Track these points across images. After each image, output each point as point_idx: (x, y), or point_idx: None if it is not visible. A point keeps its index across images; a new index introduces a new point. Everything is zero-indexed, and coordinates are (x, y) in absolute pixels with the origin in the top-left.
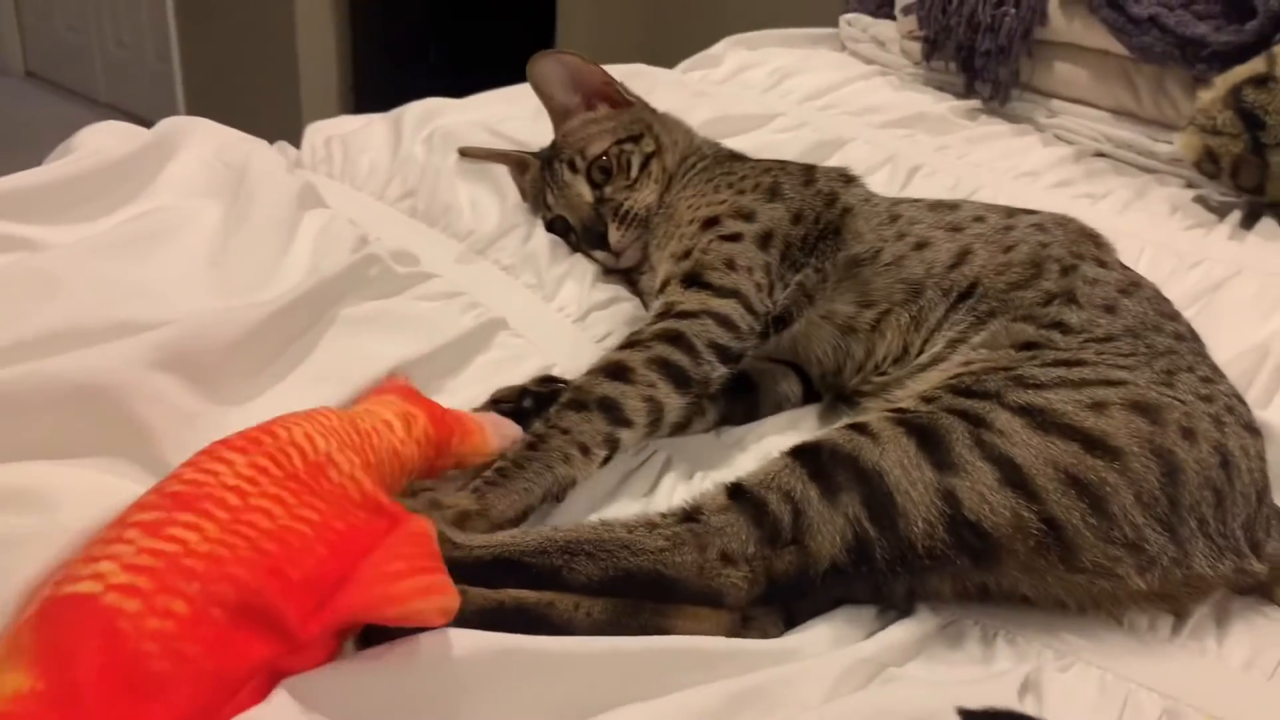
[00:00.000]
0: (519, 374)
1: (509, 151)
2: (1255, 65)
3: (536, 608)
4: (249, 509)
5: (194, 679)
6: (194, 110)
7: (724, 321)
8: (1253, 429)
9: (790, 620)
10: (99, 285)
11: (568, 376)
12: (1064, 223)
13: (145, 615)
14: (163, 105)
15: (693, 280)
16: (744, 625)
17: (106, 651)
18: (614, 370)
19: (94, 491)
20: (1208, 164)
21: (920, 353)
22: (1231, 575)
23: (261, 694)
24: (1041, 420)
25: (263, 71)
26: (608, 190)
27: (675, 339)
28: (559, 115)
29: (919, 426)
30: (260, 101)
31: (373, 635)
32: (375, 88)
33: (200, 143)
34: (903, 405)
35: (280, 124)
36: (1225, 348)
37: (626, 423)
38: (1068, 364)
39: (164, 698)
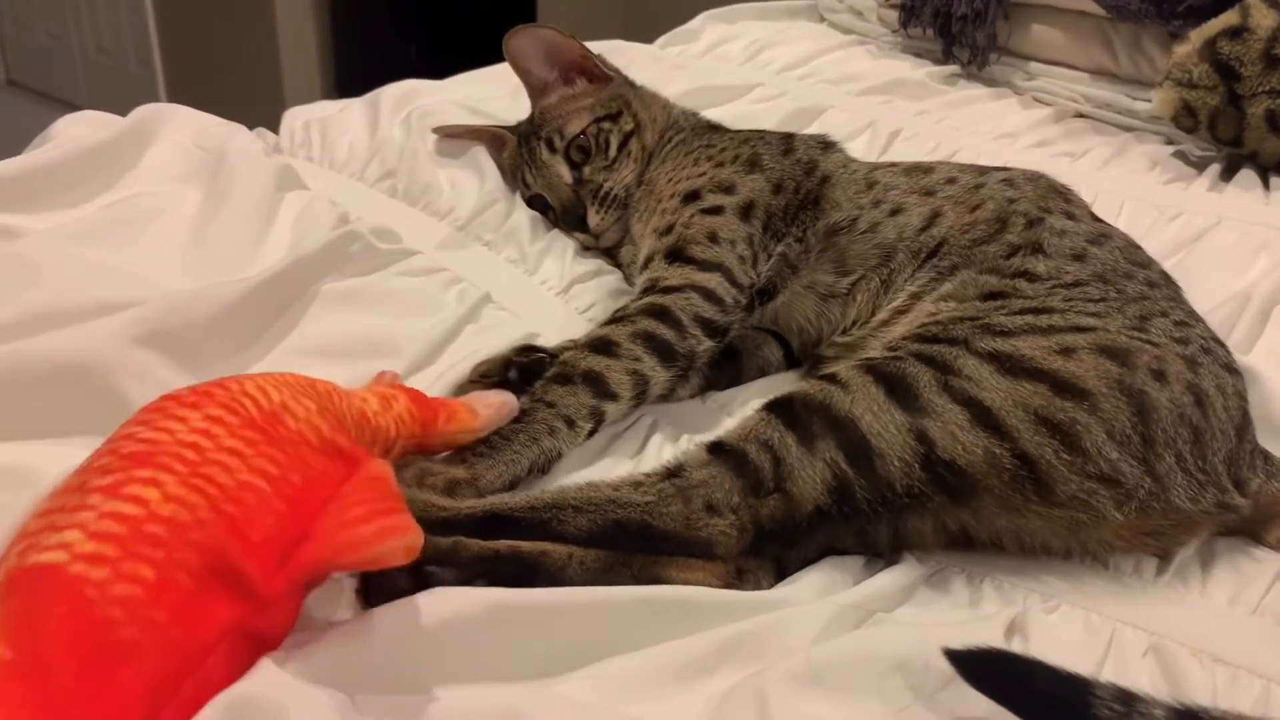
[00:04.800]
0: (506, 343)
1: (485, 127)
2: (1229, 18)
3: (530, 555)
4: (206, 462)
5: (163, 643)
6: None
7: (709, 295)
8: (1231, 368)
9: (781, 572)
10: (79, 269)
11: (550, 346)
12: (1034, 178)
13: (112, 582)
14: None
15: (676, 255)
16: (738, 577)
17: (74, 619)
18: (599, 345)
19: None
20: (1185, 118)
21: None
22: (1213, 509)
23: (232, 656)
24: (1010, 365)
25: (245, 75)
26: (586, 171)
27: (660, 314)
28: (536, 91)
29: (886, 374)
30: (243, 104)
31: (371, 594)
32: (357, 87)
33: (178, 129)
34: (870, 355)
35: (263, 125)
36: (1207, 296)
37: (611, 396)
38: (1035, 311)
39: (133, 663)
